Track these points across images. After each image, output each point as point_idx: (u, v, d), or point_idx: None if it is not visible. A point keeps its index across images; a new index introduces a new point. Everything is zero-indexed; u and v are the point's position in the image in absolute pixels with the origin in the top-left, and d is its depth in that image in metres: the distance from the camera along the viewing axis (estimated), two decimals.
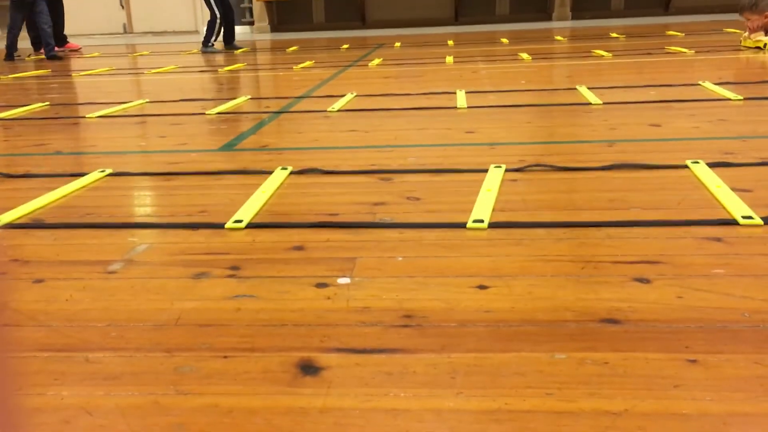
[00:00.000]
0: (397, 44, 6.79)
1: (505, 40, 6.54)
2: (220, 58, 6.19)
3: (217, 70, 5.25)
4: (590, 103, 2.97)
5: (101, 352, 1.06)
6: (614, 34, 6.59)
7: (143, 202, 1.94)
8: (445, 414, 0.87)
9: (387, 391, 0.92)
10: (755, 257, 1.31)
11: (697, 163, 1.90)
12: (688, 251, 1.34)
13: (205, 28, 6.87)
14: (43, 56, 6.74)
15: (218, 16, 6.69)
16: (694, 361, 0.96)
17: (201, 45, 6.85)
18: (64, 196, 1.91)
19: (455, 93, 3.38)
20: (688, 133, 2.37)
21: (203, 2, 6.79)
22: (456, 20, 9.67)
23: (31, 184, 2.08)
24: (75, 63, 6.46)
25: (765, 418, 0.84)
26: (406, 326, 1.09)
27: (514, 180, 1.87)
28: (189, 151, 2.47)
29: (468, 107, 3.04)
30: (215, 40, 6.80)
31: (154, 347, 1.07)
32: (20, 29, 6.79)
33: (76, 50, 7.60)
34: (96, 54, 7.16)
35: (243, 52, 6.71)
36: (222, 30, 6.83)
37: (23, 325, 1.16)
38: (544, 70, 4.49)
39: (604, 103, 2.94)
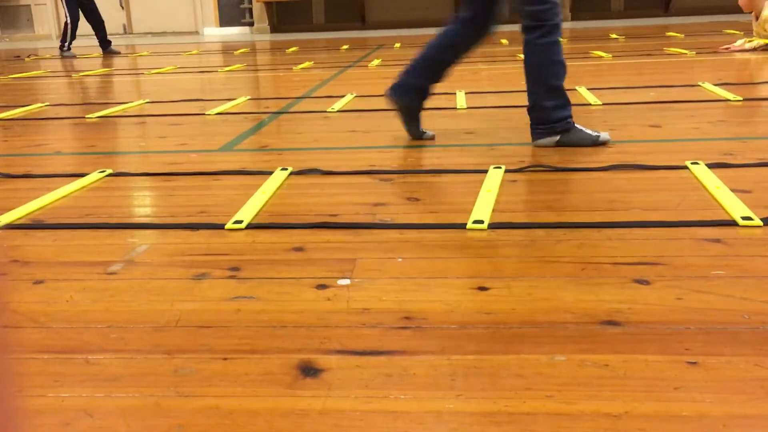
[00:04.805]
0: (397, 45, 6.79)
1: (504, 41, 6.54)
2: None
3: (217, 71, 5.25)
4: (590, 104, 2.97)
5: (101, 354, 1.06)
6: (614, 35, 6.60)
7: (143, 203, 1.94)
8: (445, 416, 0.87)
9: (387, 393, 0.92)
10: (755, 258, 1.31)
11: (697, 164, 1.90)
12: (688, 252, 1.34)
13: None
14: None
15: (68, 20, 6.81)
16: (694, 363, 0.96)
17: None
18: (64, 197, 1.91)
19: (455, 94, 3.38)
20: (687, 134, 2.37)
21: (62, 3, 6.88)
22: None
23: (31, 184, 2.08)
24: (75, 64, 6.46)
25: (765, 420, 0.84)
26: (406, 328, 1.09)
27: (514, 181, 1.87)
28: (189, 152, 2.47)
29: (468, 108, 3.04)
30: (69, 44, 6.89)
31: (154, 349, 1.07)
32: None
33: None
34: (96, 54, 7.15)
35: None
36: (72, 33, 6.90)
37: (23, 326, 1.16)
38: None
39: (603, 104, 2.95)
